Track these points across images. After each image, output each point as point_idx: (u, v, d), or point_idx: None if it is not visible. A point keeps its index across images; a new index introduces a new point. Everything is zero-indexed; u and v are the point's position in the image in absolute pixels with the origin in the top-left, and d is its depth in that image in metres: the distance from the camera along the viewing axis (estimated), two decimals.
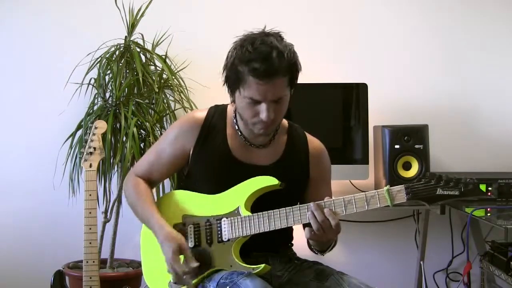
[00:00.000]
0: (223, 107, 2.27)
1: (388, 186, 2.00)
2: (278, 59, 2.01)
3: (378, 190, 2.00)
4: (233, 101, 2.17)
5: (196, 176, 2.23)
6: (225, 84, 2.14)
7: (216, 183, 2.18)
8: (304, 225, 2.10)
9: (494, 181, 3.16)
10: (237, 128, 2.22)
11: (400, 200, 1.99)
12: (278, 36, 2.07)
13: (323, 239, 2.05)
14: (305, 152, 2.27)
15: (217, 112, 2.25)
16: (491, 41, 3.64)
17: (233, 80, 2.08)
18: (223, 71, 2.13)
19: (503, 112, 3.63)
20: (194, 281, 2.10)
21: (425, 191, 1.97)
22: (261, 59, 2.00)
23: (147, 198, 2.25)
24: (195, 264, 2.09)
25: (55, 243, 3.48)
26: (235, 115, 2.22)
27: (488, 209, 3.01)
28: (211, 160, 2.19)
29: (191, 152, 2.22)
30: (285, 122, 2.28)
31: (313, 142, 2.30)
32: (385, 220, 3.56)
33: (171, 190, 2.82)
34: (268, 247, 2.22)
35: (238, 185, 2.15)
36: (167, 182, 3.15)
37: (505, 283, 2.93)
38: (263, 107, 2.06)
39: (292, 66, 2.07)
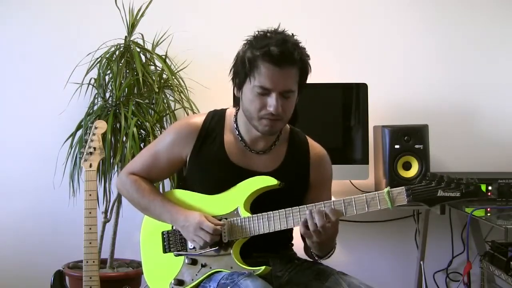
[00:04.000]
0: (222, 112, 2.26)
1: (388, 188, 1.99)
2: (293, 47, 2.04)
3: (378, 192, 2.00)
4: (238, 98, 2.16)
5: (194, 180, 2.23)
6: (234, 79, 2.14)
7: (214, 189, 2.18)
8: None
9: (494, 181, 3.16)
10: (237, 133, 2.21)
11: (400, 202, 1.98)
12: (289, 34, 2.10)
13: (321, 238, 2.03)
14: (306, 158, 2.25)
15: (215, 117, 2.24)
16: (491, 41, 3.63)
17: (243, 70, 2.07)
18: (234, 65, 2.14)
19: (503, 112, 3.63)
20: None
21: (426, 193, 1.96)
22: (277, 43, 2.03)
23: (151, 192, 2.26)
24: (221, 222, 2.12)
25: (55, 243, 3.49)
26: (236, 120, 2.21)
27: (488, 209, 3.01)
28: (208, 167, 2.19)
29: (188, 158, 2.22)
30: (287, 127, 2.27)
31: (315, 148, 2.29)
32: (385, 220, 3.55)
33: (171, 189, 2.82)
34: (269, 248, 2.22)
35: (237, 185, 2.15)
36: (167, 181, 3.15)
37: (505, 283, 2.93)
38: (272, 98, 2.05)
39: (304, 62, 2.08)
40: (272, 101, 2.05)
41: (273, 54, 2.02)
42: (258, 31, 2.11)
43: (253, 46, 2.07)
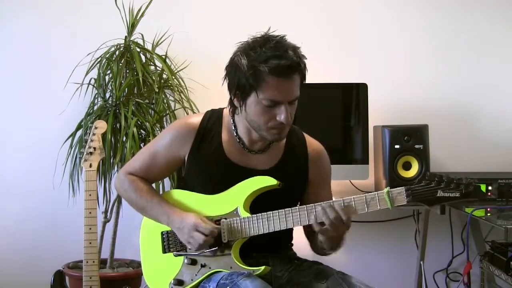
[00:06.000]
0: (219, 111, 2.25)
1: (388, 188, 1.99)
2: (295, 55, 2.02)
3: (378, 192, 2.00)
4: (233, 108, 2.14)
5: (193, 180, 2.23)
6: (234, 90, 2.08)
7: (213, 188, 2.18)
8: (305, 226, 2.10)
9: (494, 181, 3.16)
10: (235, 134, 2.20)
11: (400, 202, 1.98)
12: (282, 37, 2.07)
13: (334, 234, 2.04)
14: (304, 155, 2.25)
15: (213, 117, 2.23)
16: (491, 41, 3.63)
17: (249, 84, 2.03)
18: (232, 78, 2.08)
19: (503, 111, 3.63)
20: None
21: (425, 193, 1.96)
22: (280, 56, 1.99)
23: (149, 192, 2.25)
24: (216, 225, 2.12)
25: (55, 243, 3.49)
26: (233, 120, 2.20)
27: (488, 209, 3.02)
28: (207, 166, 2.19)
29: (186, 158, 2.22)
30: None
31: (312, 144, 2.29)
32: (385, 220, 3.55)
33: (170, 189, 2.82)
34: (268, 248, 2.22)
35: (237, 185, 2.15)
36: (167, 181, 3.15)
37: (505, 283, 2.93)
38: (282, 109, 2.03)
39: (304, 65, 2.07)
40: (282, 112, 2.03)
41: (281, 67, 1.98)
42: (250, 39, 2.07)
43: (254, 59, 2.01)
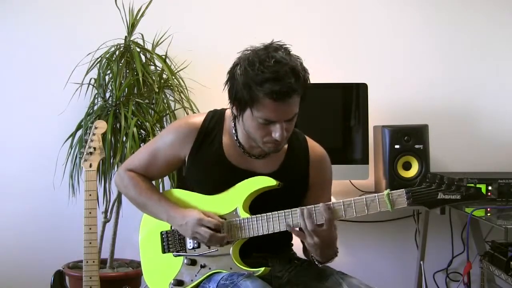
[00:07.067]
0: (221, 112, 2.24)
1: (388, 190, 1.99)
2: (294, 78, 1.96)
3: (378, 194, 1.99)
4: (236, 117, 2.12)
5: (193, 180, 2.23)
6: (234, 103, 2.06)
7: (213, 189, 2.18)
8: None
9: (494, 181, 3.15)
10: (235, 138, 2.19)
11: (400, 204, 1.97)
12: (286, 50, 2.02)
13: (315, 240, 2.00)
14: (306, 159, 2.24)
15: (215, 118, 2.22)
16: (491, 41, 3.63)
17: (245, 101, 2.00)
18: (230, 88, 2.05)
19: (503, 111, 3.63)
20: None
21: (426, 196, 1.95)
22: (277, 79, 1.94)
23: (149, 190, 2.25)
24: (221, 219, 2.11)
25: (55, 243, 3.49)
26: (234, 124, 2.19)
27: (488, 209, 3.01)
28: (207, 167, 2.18)
29: (186, 158, 2.21)
30: None
31: (315, 148, 2.27)
32: (385, 220, 3.55)
33: (170, 189, 2.82)
34: (268, 248, 2.22)
35: (236, 185, 2.15)
36: (167, 181, 3.15)
37: (505, 283, 2.94)
38: (277, 127, 2.01)
39: (304, 83, 2.02)
40: (277, 130, 2.01)
41: (276, 93, 1.94)
42: (253, 49, 2.03)
43: (251, 77, 1.97)
